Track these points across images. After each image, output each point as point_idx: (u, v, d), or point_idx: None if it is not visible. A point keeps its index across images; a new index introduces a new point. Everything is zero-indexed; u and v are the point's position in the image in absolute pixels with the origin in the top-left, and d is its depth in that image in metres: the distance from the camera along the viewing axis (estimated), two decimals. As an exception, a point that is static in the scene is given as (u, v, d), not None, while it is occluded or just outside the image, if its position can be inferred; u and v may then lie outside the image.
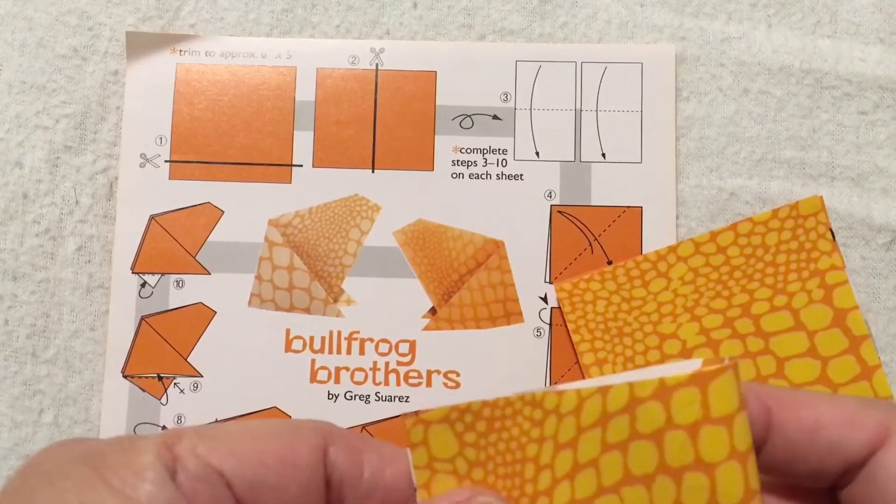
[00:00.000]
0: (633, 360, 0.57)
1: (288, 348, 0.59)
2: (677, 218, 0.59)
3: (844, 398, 0.40)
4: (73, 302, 0.60)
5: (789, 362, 0.57)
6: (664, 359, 0.57)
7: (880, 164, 0.60)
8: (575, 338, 0.58)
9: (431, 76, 0.61)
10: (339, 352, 0.59)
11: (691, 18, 0.61)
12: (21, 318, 0.60)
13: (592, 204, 0.59)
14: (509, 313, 0.59)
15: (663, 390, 0.38)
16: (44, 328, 0.60)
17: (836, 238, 0.58)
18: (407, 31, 0.61)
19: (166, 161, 0.60)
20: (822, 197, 0.58)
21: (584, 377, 0.57)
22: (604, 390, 0.39)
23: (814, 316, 0.57)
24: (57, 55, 0.61)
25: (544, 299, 0.59)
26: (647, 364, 0.57)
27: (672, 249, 0.58)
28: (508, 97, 0.60)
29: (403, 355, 0.59)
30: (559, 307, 0.58)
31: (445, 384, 0.58)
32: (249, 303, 0.59)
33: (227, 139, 0.60)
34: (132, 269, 0.60)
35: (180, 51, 0.61)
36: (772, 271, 0.58)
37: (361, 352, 0.59)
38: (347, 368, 0.59)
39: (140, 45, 0.61)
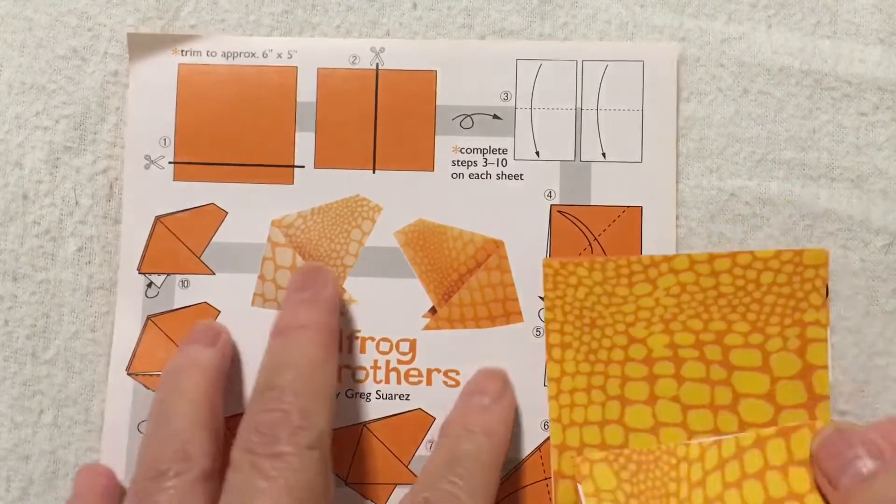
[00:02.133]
0: (596, 353, 0.59)
1: None
2: (677, 218, 0.61)
3: None
4: (73, 303, 0.61)
5: (745, 400, 0.58)
6: (626, 361, 0.59)
7: (880, 166, 0.61)
8: (547, 315, 0.59)
9: (431, 76, 0.62)
10: (339, 350, 0.60)
11: (691, 19, 0.62)
12: (21, 318, 0.61)
13: (592, 204, 0.61)
14: (509, 313, 0.60)
15: (759, 440, 0.57)
16: (44, 329, 0.61)
17: (832, 247, 0.60)
18: (407, 31, 0.63)
19: (170, 162, 0.62)
20: (828, 252, 0.58)
21: (547, 356, 0.60)
22: (718, 443, 0.57)
23: (783, 363, 0.58)
24: (57, 56, 0.63)
25: (543, 299, 0.60)
26: (609, 361, 0.59)
27: (667, 259, 0.59)
28: (509, 96, 0.62)
29: (404, 354, 0.60)
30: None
31: (445, 382, 0.60)
32: (253, 302, 0.61)
33: (230, 140, 0.62)
34: (139, 269, 0.61)
35: (182, 51, 0.62)
36: (756, 308, 0.58)
37: (362, 350, 0.60)
38: (348, 367, 0.60)
39: (142, 46, 0.62)
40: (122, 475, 0.60)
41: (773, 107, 0.62)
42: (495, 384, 0.59)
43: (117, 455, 0.60)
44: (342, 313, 0.61)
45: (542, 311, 0.60)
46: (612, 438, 0.58)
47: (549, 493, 0.60)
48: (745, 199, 0.61)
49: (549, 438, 0.60)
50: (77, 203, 0.62)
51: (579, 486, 0.56)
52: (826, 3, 0.63)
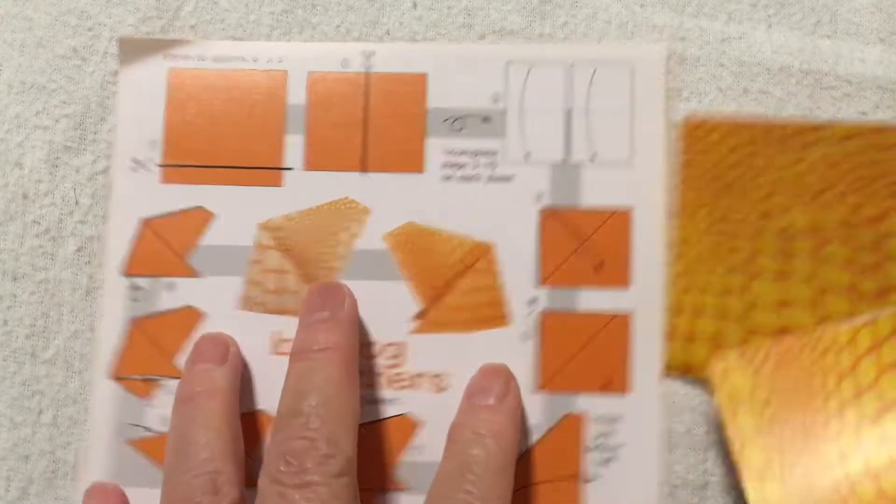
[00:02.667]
0: (726, 219, 0.58)
1: (275, 351, 0.61)
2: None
3: None
4: (72, 302, 0.62)
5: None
6: (759, 233, 0.57)
7: None
8: (682, 173, 0.58)
9: (422, 78, 0.62)
10: None
11: (691, 18, 0.62)
12: (20, 318, 0.62)
13: (581, 205, 0.61)
14: (496, 316, 0.60)
15: None
16: (43, 328, 0.62)
17: None
18: (407, 31, 0.63)
19: (158, 165, 0.62)
20: None
21: (676, 214, 0.59)
22: (874, 321, 0.53)
23: None
24: (56, 55, 0.63)
25: (532, 302, 0.60)
26: (740, 230, 0.58)
27: (820, 128, 0.57)
28: (499, 99, 0.62)
29: (390, 358, 0.61)
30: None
31: (434, 386, 0.60)
32: (239, 306, 0.61)
33: (219, 143, 0.62)
34: (123, 272, 0.62)
35: (172, 55, 0.63)
36: None
37: None
38: None
39: (133, 50, 0.63)
40: (107, 479, 0.61)
41: (774, 106, 0.62)
42: (499, 381, 0.59)
43: (103, 461, 0.61)
44: None
45: (531, 315, 0.61)
46: (730, 309, 0.57)
47: (533, 499, 0.60)
48: (747, 198, 0.61)
49: (536, 443, 0.60)
50: (77, 203, 0.63)
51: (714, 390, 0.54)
52: (826, 2, 0.63)
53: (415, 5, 0.64)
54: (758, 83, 0.62)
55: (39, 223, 0.63)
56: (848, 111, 0.61)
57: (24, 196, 0.63)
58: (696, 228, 0.58)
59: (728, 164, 0.58)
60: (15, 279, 0.62)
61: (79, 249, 0.63)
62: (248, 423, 0.61)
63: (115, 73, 0.64)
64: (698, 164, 0.58)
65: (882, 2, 0.62)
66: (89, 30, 0.64)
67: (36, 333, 0.62)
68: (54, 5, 0.64)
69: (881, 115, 0.61)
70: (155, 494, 0.58)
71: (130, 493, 0.60)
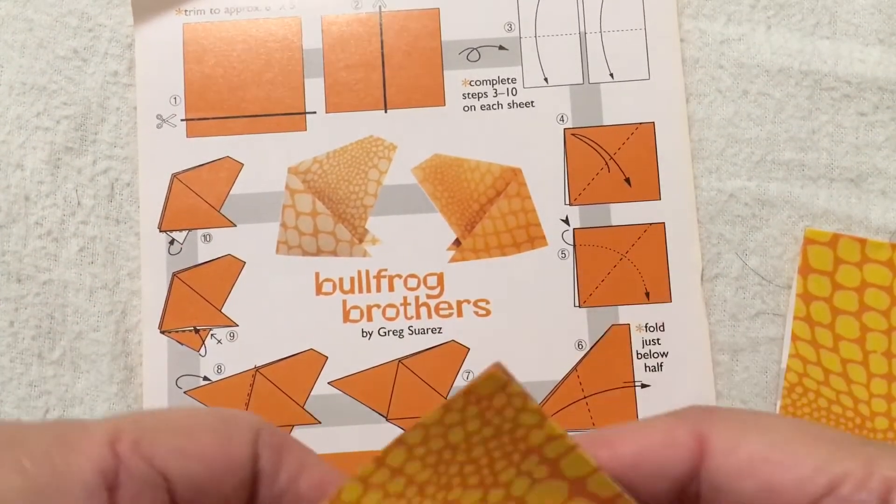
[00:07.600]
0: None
1: (319, 291, 0.61)
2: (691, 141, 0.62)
3: (654, 420, 0.38)
4: (77, 303, 0.62)
5: None
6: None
7: (879, 166, 0.62)
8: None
9: (435, 13, 0.63)
10: (368, 290, 0.61)
11: (690, 20, 0.63)
12: (26, 319, 0.62)
13: (605, 124, 0.62)
14: (533, 238, 0.61)
15: None
16: (49, 329, 0.62)
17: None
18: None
19: (182, 120, 0.63)
20: (500, 366, 0.36)
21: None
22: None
23: (546, 494, 0.47)
24: (57, 56, 0.64)
25: (566, 221, 0.61)
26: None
27: None
28: (512, 27, 0.63)
29: (432, 288, 0.61)
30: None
31: (476, 312, 0.61)
32: (277, 250, 0.62)
33: (240, 93, 0.63)
34: (159, 227, 0.62)
35: (185, 10, 0.63)
36: (472, 470, 0.40)
37: (391, 288, 0.61)
38: (378, 306, 0.61)
39: (145, 9, 0.63)
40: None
41: (773, 108, 0.63)
42: None
43: None
44: (366, 254, 0.62)
45: (565, 233, 0.62)
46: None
47: (588, 411, 0.61)
48: (745, 200, 0.62)
49: (583, 358, 0.61)
50: (79, 203, 0.63)
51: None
52: (825, 3, 0.64)
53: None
54: (757, 84, 0.63)
55: (42, 224, 0.63)
56: (847, 111, 0.63)
57: (26, 198, 0.63)
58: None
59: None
60: (20, 281, 0.62)
61: (81, 250, 0.63)
62: (300, 361, 0.61)
63: (116, 74, 0.64)
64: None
65: (881, 3, 0.64)
66: (90, 30, 0.64)
67: (42, 335, 0.62)
68: (55, 6, 0.64)
69: (880, 116, 0.63)
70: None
71: (190, 441, 0.60)
